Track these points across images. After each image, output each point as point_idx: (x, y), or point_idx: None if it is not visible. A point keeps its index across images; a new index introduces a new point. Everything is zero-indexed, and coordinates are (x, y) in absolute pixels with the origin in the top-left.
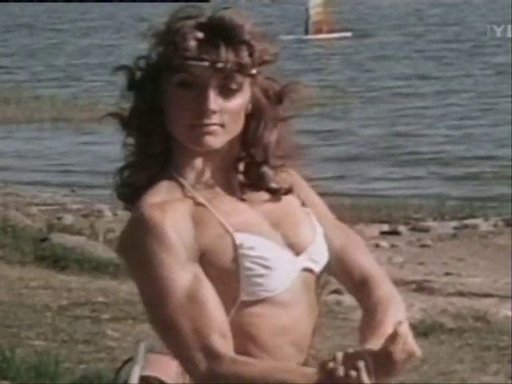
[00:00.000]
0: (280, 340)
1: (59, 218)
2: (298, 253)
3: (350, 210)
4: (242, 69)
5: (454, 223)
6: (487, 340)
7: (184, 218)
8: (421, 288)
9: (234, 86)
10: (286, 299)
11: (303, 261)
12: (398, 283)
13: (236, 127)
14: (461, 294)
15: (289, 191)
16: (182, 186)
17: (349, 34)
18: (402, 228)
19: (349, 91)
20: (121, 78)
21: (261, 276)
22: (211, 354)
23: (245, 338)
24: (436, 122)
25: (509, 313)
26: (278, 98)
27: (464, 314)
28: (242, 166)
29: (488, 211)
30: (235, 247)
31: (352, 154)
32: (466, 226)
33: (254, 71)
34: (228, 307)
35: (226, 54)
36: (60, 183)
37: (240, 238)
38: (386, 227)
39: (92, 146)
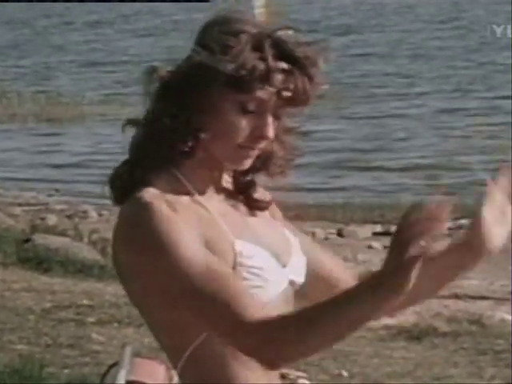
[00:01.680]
0: None
1: (43, 219)
2: (283, 264)
3: (342, 211)
4: (304, 101)
5: (448, 224)
6: (483, 344)
7: (188, 211)
8: None
9: (282, 113)
10: (270, 312)
11: (289, 273)
12: None
13: None
14: (456, 296)
15: (269, 205)
16: (182, 184)
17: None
18: (395, 229)
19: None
20: (104, 75)
21: (256, 287)
22: (250, 310)
23: (226, 350)
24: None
25: (505, 316)
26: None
27: (459, 318)
28: (230, 172)
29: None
30: (235, 254)
31: (328, 160)
32: (460, 227)
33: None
34: None
35: (300, 87)
36: (43, 183)
37: (239, 245)
38: (378, 228)
39: (75, 146)
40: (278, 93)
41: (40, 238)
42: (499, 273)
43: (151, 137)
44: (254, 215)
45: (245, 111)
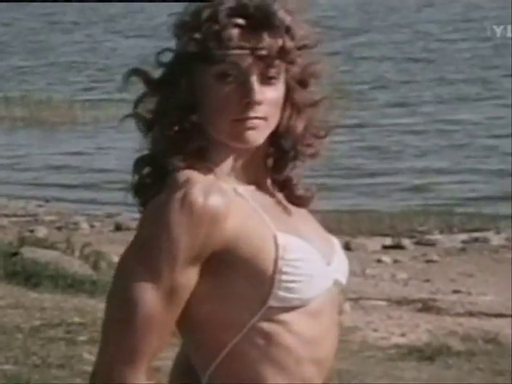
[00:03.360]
0: (302, 354)
1: (31, 231)
2: (327, 262)
3: (349, 222)
4: (284, 55)
5: (462, 236)
6: (499, 364)
7: (228, 202)
8: (427, 307)
9: (273, 74)
10: (315, 310)
11: (334, 272)
12: (402, 302)
13: (275, 120)
14: (470, 313)
15: (310, 201)
16: (217, 176)
17: None
18: (406, 241)
19: None
20: (101, 78)
21: (297, 282)
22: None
23: (267, 345)
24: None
25: None
26: (303, 81)
27: (474, 336)
28: (270, 162)
29: (500, 223)
30: (276, 247)
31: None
32: (475, 240)
33: (294, 57)
34: (254, 310)
35: (269, 41)
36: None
37: (282, 237)
38: (388, 241)
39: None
40: (253, 54)
41: (29, 252)
42: None
43: (161, 138)
44: (296, 211)
45: (223, 81)
